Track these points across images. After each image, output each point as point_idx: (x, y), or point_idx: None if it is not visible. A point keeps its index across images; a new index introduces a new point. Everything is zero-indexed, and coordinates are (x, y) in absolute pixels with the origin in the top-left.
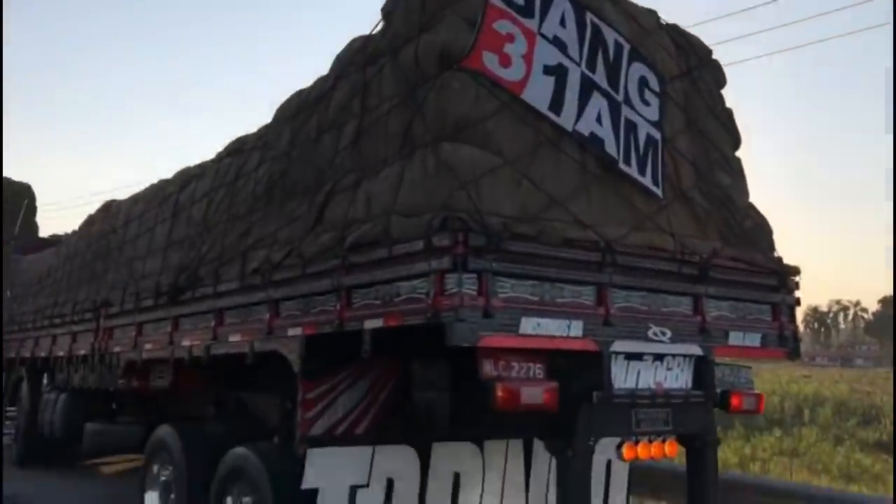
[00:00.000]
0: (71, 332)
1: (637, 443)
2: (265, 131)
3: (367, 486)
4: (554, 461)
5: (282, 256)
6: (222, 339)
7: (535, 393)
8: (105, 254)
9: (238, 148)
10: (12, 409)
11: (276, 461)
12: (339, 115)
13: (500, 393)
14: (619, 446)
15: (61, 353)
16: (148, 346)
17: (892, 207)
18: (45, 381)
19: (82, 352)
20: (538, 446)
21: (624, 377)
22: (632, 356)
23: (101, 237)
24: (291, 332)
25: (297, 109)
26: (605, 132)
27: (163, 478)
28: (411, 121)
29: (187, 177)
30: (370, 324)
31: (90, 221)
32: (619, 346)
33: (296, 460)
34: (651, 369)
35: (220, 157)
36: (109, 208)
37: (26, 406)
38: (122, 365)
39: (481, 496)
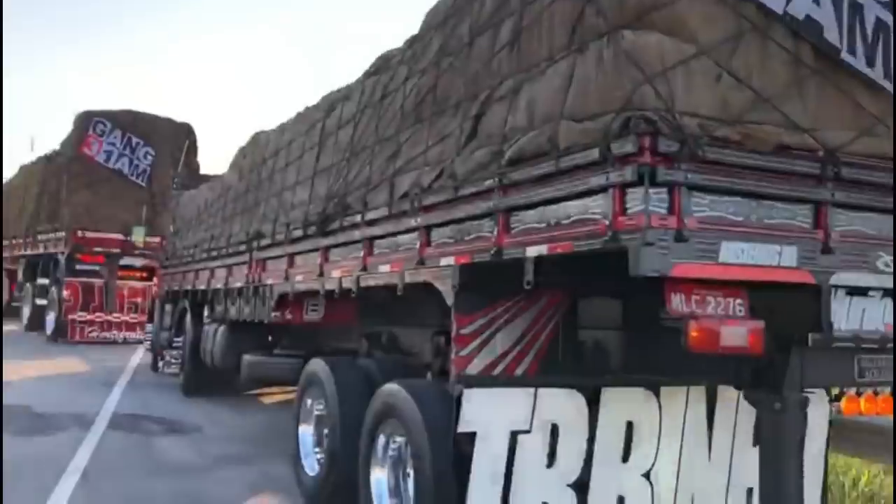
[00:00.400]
0: (226, 265)
1: (860, 395)
2: (412, 43)
3: (529, 431)
4: (744, 412)
5: (432, 179)
6: (372, 270)
7: (738, 334)
8: (256, 186)
9: (384, 64)
10: (178, 339)
11: (429, 400)
12: (495, 14)
13: (693, 333)
14: (834, 399)
15: (219, 286)
16: (299, 277)
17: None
18: (205, 312)
19: (238, 284)
20: (724, 393)
21: (846, 316)
22: (856, 291)
23: (251, 169)
24: (444, 261)
25: (446, 15)
26: (824, 14)
27: (316, 412)
28: (582, 9)
29: (332, 100)
30: (533, 251)
31: (242, 154)
32: (840, 278)
33: (451, 401)
34: (879, 308)
35: (366, 76)
36: (258, 140)
37: (190, 337)
38: (274, 297)
39: (657, 449)
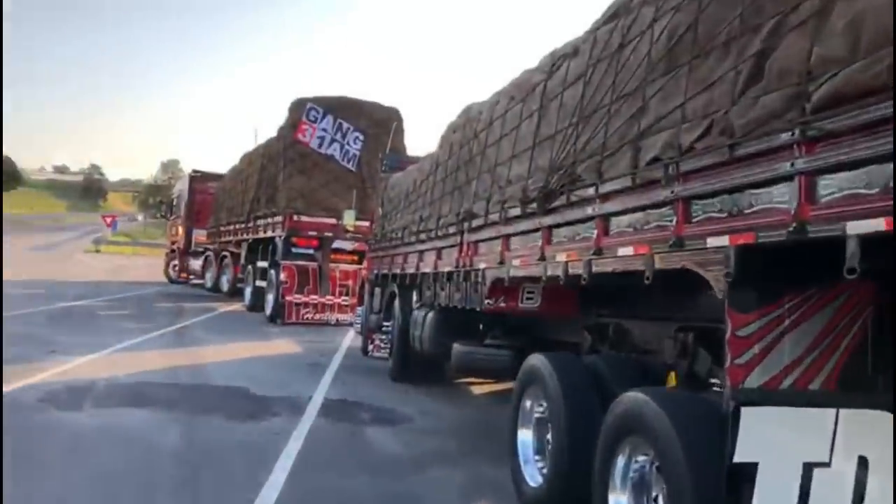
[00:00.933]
0: (436, 247)
1: None
2: None
3: (829, 465)
4: None
5: (694, 137)
6: (608, 254)
7: None
8: (467, 162)
9: (623, 7)
10: (387, 324)
11: (688, 417)
12: None
13: None
14: None
15: (427, 270)
16: (516, 262)
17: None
18: (414, 297)
19: (447, 268)
20: None
21: None
22: None
23: (462, 144)
24: (713, 241)
25: None
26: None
27: (536, 414)
28: None
29: (555, 58)
30: (857, 227)
31: (451, 129)
32: None
33: (721, 420)
34: None
35: (596, 27)
36: (469, 112)
37: (399, 322)
38: (487, 283)
39: None
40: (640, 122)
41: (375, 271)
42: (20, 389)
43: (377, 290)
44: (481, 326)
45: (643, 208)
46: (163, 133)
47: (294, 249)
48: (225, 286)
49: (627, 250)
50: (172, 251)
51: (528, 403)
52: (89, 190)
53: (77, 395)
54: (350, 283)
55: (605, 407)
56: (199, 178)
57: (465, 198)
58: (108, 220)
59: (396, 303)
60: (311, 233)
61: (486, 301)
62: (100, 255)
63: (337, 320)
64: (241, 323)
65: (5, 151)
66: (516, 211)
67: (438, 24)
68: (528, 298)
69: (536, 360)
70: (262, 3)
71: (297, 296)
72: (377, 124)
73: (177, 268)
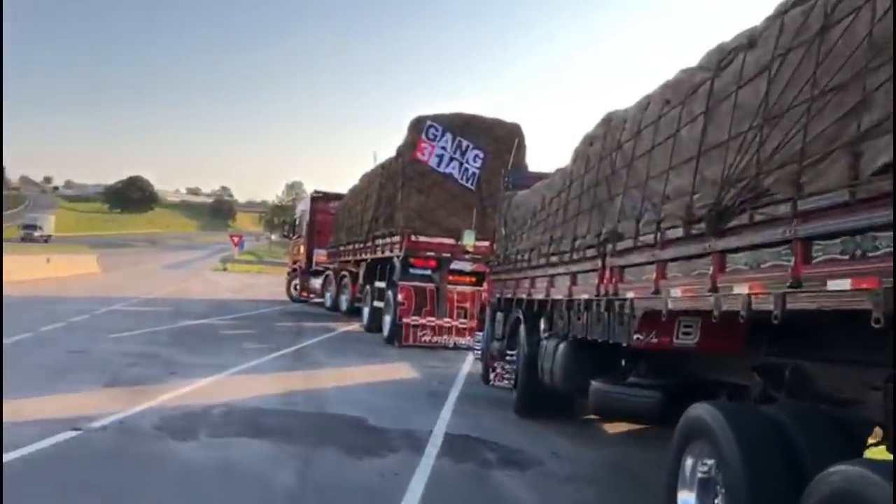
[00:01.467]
0: (570, 272)
1: None
2: None
3: None
4: None
5: None
6: (809, 286)
7: None
8: (609, 176)
9: None
10: (512, 352)
11: None
12: None
13: None
14: None
15: (559, 297)
16: (675, 292)
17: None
18: (542, 325)
19: (585, 296)
20: None
21: None
22: None
23: (602, 156)
24: None
25: None
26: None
27: (700, 474)
28: None
29: (724, 53)
30: None
31: (588, 140)
32: None
33: None
34: None
35: (783, 10)
36: (611, 120)
37: (524, 351)
38: (636, 315)
39: None
40: (860, 121)
41: (497, 295)
42: (139, 414)
43: (499, 315)
44: (623, 362)
45: (865, 230)
46: (287, 156)
47: (412, 270)
48: (343, 305)
49: (842, 283)
50: (294, 270)
51: (690, 461)
52: (219, 210)
53: (193, 423)
54: (468, 305)
55: (793, 470)
56: (320, 199)
57: (606, 217)
58: (236, 239)
59: (522, 330)
60: (428, 253)
61: (636, 336)
62: (227, 274)
63: (454, 343)
64: (359, 344)
65: (144, 174)
66: (677, 232)
67: (556, 42)
68: (684, 333)
69: (702, 410)
70: (384, 28)
71: (414, 317)
72: (498, 141)
73: (298, 286)
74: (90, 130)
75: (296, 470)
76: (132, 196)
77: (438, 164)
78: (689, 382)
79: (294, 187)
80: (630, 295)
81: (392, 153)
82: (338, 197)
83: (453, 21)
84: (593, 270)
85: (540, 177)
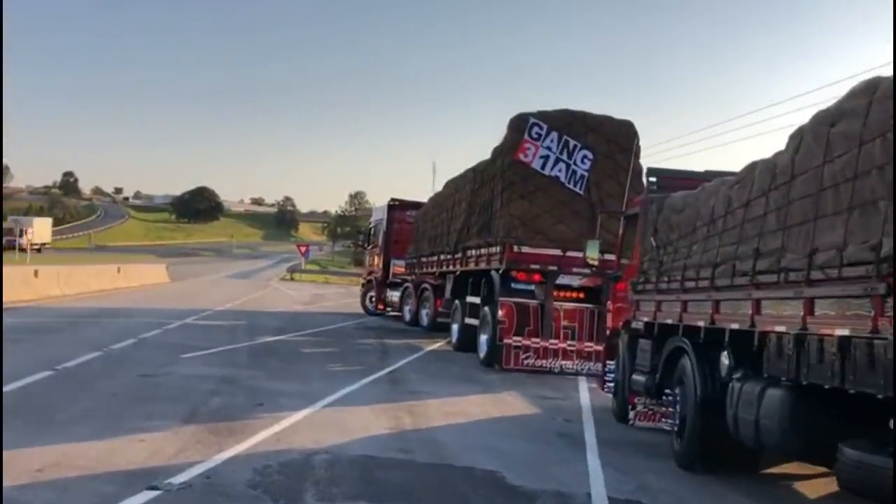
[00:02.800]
0: (804, 296)
1: None
2: None
3: None
4: None
5: None
6: None
7: None
8: (880, 165)
9: None
10: (671, 391)
11: None
12: None
13: None
14: None
15: (781, 328)
16: None
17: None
18: (726, 360)
19: (840, 331)
20: None
21: None
22: None
23: (861, 140)
24: None
25: None
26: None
27: None
28: None
29: None
30: None
31: (825, 119)
32: None
33: None
34: None
35: None
36: (872, 87)
37: (697, 393)
38: None
39: None
40: None
41: (644, 318)
42: (228, 465)
43: (644, 343)
44: (893, 423)
45: None
46: (348, 167)
47: (513, 285)
48: (424, 320)
49: None
50: (369, 281)
51: None
52: (282, 220)
53: (295, 479)
54: (575, 324)
55: None
56: (397, 207)
57: (872, 222)
58: (303, 249)
59: (688, 364)
60: (533, 266)
61: None
62: (294, 283)
63: (561, 368)
64: (453, 366)
65: (210, 185)
66: None
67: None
68: None
69: None
70: (446, 37)
71: (516, 338)
72: (608, 140)
73: (374, 299)
74: (159, 142)
75: None
76: (199, 206)
77: (543, 167)
78: None
79: (357, 197)
80: None
81: (457, 164)
82: (415, 205)
83: (519, 25)
84: (860, 298)
85: (689, 177)
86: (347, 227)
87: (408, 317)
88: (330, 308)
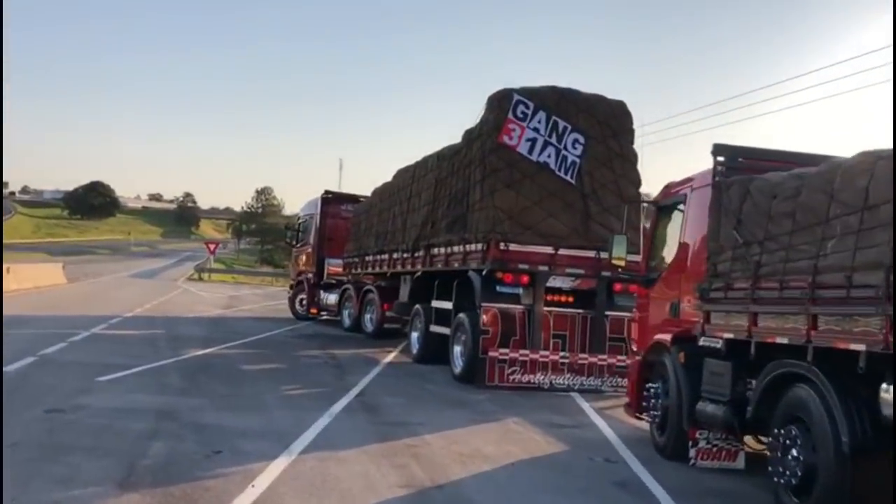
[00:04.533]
0: None
1: None
2: None
3: None
4: None
5: None
6: None
7: None
8: None
9: None
10: (780, 433)
11: None
12: None
13: None
14: None
15: None
16: None
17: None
18: (888, 394)
19: None
20: None
21: None
22: None
23: None
24: None
25: None
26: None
27: None
28: None
29: None
30: None
31: None
32: None
33: None
34: None
35: None
36: None
37: (833, 435)
38: None
39: None
40: None
41: (723, 334)
42: None
43: (715, 365)
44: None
45: None
46: (252, 163)
47: (499, 288)
48: (369, 327)
49: None
50: (300, 283)
51: None
52: (182, 217)
53: None
54: (566, 333)
55: None
56: (332, 200)
57: None
58: (212, 246)
59: (811, 398)
60: (521, 266)
61: None
62: (204, 284)
63: (551, 383)
64: (426, 383)
65: (105, 179)
66: None
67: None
68: None
69: None
70: (356, 34)
71: (503, 350)
72: (600, 123)
73: (305, 302)
74: (48, 134)
75: None
76: (93, 202)
77: (530, 151)
78: None
79: (264, 193)
80: None
81: (367, 163)
82: (353, 198)
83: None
84: None
85: (772, 157)
86: (254, 224)
87: (348, 322)
88: (253, 312)
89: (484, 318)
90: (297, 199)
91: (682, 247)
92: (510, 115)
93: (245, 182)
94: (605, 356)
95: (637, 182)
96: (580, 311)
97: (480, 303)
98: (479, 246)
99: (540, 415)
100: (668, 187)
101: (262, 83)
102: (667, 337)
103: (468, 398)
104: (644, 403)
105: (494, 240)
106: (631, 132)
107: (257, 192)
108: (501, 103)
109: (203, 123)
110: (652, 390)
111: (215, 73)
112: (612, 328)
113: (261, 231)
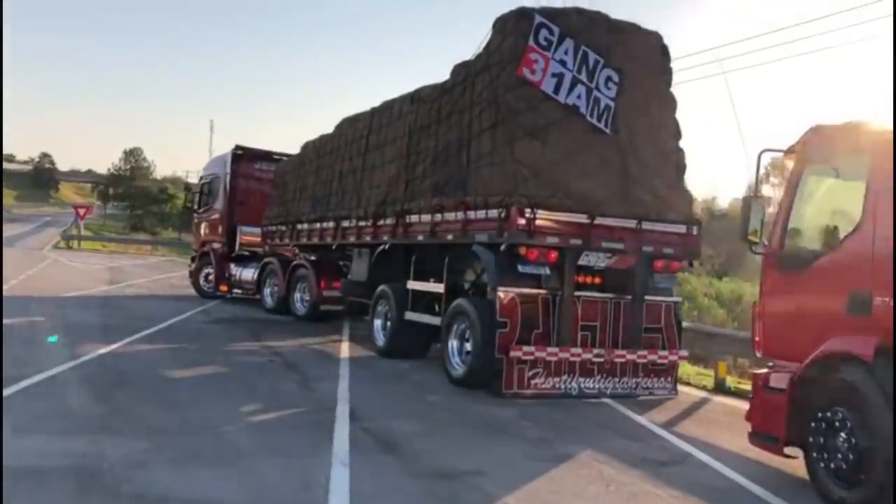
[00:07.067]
0: None
1: None
2: None
3: None
4: None
5: None
6: None
7: None
8: None
9: None
10: None
11: None
12: None
13: None
14: None
15: None
16: None
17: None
18: None
19: None
20: None
21: None
22: None
23: None
24: None
25: None
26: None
27: None
28: None
29: None
30: None
31: None
32: None
33: None
34: None
35: None
36: None
37: None
38: None
39: None
40: None
41: None
42: None
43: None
44: None
45: None
46: (119, 121)
47: (521, 268)
48: (300, 308)
49: None
50: (204, 254)
51: None
52: (39, 179)
53: None
54: (597, 324)
55: None
56: (244, 157)
57: None
58: (82, 211)
59: None
60: (550, 239)
61: None
62: (74, 253)
63: (579, 388)
64: (422, 391)
65: None
66: None
67: None
68: None
69: None
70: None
71: (526, 348)
72: (636, 59)
73: (212, 277)
74: None
75: None
76: None
77: (556, 90)
78: None
79: (133, 154)
80: None
81: (239, 125)
82: (268, 156)
83: None
84: None
85: None
86: (122, 187)
87: (270, 302)
88: (146, 289)
89: (501, 307)
90: (167, 163)
91: (869, 216)
92: (531, 42)
93: (110, 143)
94: (644, 353)
95: (678, 133)
96: (611, 295)
97: (496, 286)
98: (496, 213)
99: (612, 442)
100: (820, 133)
101: (124, 37)
102: (849, 346)
103: (497, 417)
104: (811, 439)
105: (517, 205)
106: (669, 71)
107: (125, 153)
108: (520, 25)
109: (59, 76)
110: (831, 423)
111: (67, 28)
112: (648, 317)
113: (130, 195)
